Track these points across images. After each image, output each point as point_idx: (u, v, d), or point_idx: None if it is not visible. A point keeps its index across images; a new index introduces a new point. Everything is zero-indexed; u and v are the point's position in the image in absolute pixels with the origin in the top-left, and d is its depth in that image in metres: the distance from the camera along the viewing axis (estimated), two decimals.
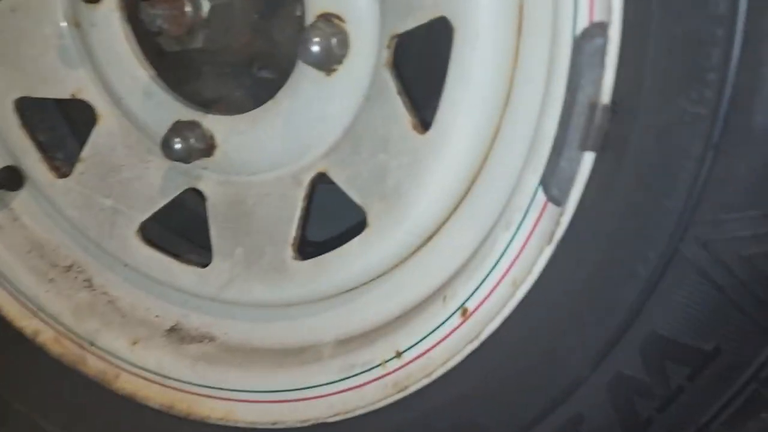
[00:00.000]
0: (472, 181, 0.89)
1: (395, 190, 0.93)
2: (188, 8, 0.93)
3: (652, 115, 0.66)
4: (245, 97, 1.04)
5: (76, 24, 1.07)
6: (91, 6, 1.04)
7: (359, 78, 0.93)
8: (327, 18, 0.93)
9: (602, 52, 0.67)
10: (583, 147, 0.69)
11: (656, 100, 0.65)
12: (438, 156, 0.88)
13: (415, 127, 0.90)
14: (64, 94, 1.10)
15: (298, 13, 0.96)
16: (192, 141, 1.03)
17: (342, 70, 0.93)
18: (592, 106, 0.68)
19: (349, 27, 0.91)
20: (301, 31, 0.94)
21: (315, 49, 0.90)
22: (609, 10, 0.66)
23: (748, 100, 0.61)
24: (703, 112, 0.63)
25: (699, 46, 0.61)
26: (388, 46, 0.91)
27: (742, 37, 0.59)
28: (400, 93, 0.91)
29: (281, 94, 0.98)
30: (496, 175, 0.85)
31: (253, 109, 1.01)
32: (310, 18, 0.93)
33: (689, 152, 0.64)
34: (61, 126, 1.22)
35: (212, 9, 0.93)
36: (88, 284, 1.14)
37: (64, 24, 1.07)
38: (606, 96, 0.67)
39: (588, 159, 0.70)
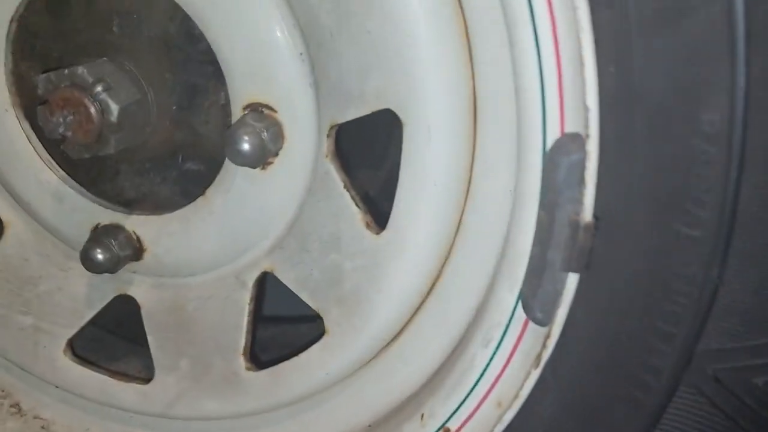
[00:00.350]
0: (434, 282, 0.80)
1: (353, 293, 0.83)
2: (94, 112, 0.81)
3: (642, 236, 0.58)
4: (172, 192, 0.92)
5: None
6: None
7: (298, 170, 0.82)
8: (256, 109, 0.82)
9: (581, 167, 0.58)
10: (567, 268, 0.61)
11: (646, 220, 0.58)
12: (396, 257, 0.78)
13: (368, 226, 0.81)
14: None
15: (222, 102, 0.85)
16: (116, 248, 0.90)
17: (278, 162, 0.82)
18: (573, 224, 0.60)
19: (282, 117, 0.81)
20: (226, 123, 0.84)
21: (245, 147, 0.78)
22: (585, 120, 0.58)
23: (751, 221, 0.54)
24: (701, 235, 0.55)
25: (692, 164, 0.54)
26: (329, 136, 0.81)
27: (740, 155, 0.52)
28: (347, 187, 0.81)
29: (212, 191, 0.87)
30: (461, 278, 0.77)
31: (183, 205, 0.90)
32: (236, 109, 0.82)
33: (687, 276, 0.57)
34: None
35: (122, 111, 0.80)
36: (17, 410, 1.02)
37: None
38: (588, 214, 0.60)
39: (573, 279, 0.63)
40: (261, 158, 0.79)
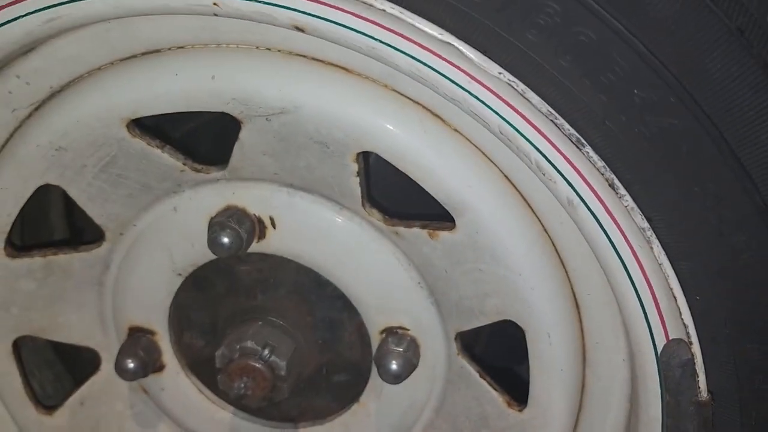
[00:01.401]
0: None
1: None
2: (266, 372, 0.99)
3: (749, 404, 0.76)
4: (328, 403, 1.10)
5: (144, 390, 1.12)
6: (156, 374, 1.09)
7: (437, 370, 1.00)
8: (392, 331, 1.00)
9: (692, 366, 0.76)
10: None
11: (753, 395, 0.75)
12: (540, 429, 0.96)
13: (509, 405, 0.98)
14: None
15: (359, 328, 1.03)
16: None
17: (419, 367, 1.01)
18: (695, 403, 0.77)
19: (415, 333, 0.99)
20: (366, 342, 1.02)
21: (395, 369, 0.97)
22: (684, 327, 0.76)
23: None
24: None
25: None
26: (456, 339, 0.99)
27: None
28: (482, 376, 0.99)
29: (365, 398, 1.05)
30: None
31: (341, 413, 1.08)
32: (373, 333, 1.00)
33: None
34: None
35: (288, 364, 0.99)
36: None
37: (133, 393, 1.12)
38: (704, 393, 0.77)
39: None
40: (409, 373, 0.98)
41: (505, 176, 0.86)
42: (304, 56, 0.84)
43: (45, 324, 1.05)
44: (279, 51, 0.84)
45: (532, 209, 0.87)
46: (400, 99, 0.83)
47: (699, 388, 0.77)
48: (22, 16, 0.75)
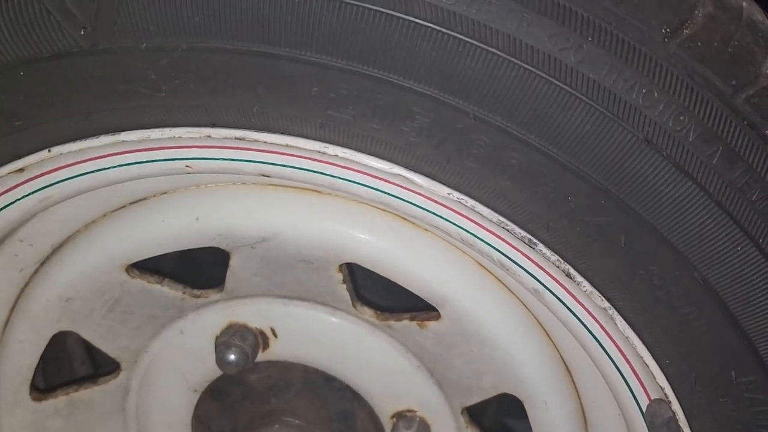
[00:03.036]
0: None
1: None
2: None
3: None
4: None
5: None
6: None
7: None
8: (401, 415, 1.08)
9: (675, 422, 0.83)
10: None
11: None
12: None
13: None
14: None
15: (371, 415, 1.11)
16: None
17: None
18: None
19: (423, 413, 1.07)
20: (380, 427, 1.10)
21: None
22: (660, 389, 0.83)
23: None
24: None
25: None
26: (462, 413, 1.07)
27: None
28: None
29: None
30: None
31: None
32: (385, 419, 1.09)
33: None
34: None
35: None
36: None
37: None
38: None
39: None
40: None
41: (481, 265, 0.94)
42: (278, 185, 0.94)
43: None
44: (254, 184, 0.94)
45: (511, 291, 0.96)
46: (371, 210, 0.92)
47: None
48: (19, 199, 0.86)
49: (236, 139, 0.75)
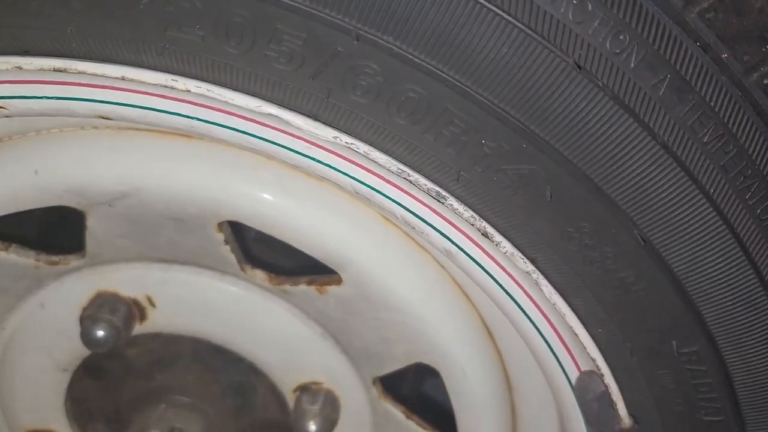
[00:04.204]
0: None
1: None
2: None
3: (674, 425, 0.72)
4: None
5: None
6: None
7: (362, 417, 0.96)
8: (305, 387, 0.95)
9: (607, 396, 0.72)
10: None
11: (673, 416, 0.72)
12: None
13: None
14: None
15: (272, 389, 0.98)
16: None
17: (343, 418, 0.96)
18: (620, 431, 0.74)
19: (330, 385, 0.94)
20: (282, 402, 0.97)
21: (313, 428, 0.93)
22: (592, 360, 0.71)
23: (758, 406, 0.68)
24: (721, 419, 0.69)
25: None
26: (374, 384, 0.94)
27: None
28: (408, 416, 0.95)
29: None
30: None
31: None
32: (287, 392, 0.95)
33: None
34: None
35: None
36: None
37: None
38: (627, 420, 0.73)
39: None
40: (330, 429, 0.93)
41: (387, 219, 0.80)
42: (135, 129, 0.76)
43: None
44: (107, 128, 0.76)
45: (423, 249, 0.82)
46: (253, 158, 0.76)
47: (619, 416, 0.73)
48: None
49: (55, 71, 0.57)
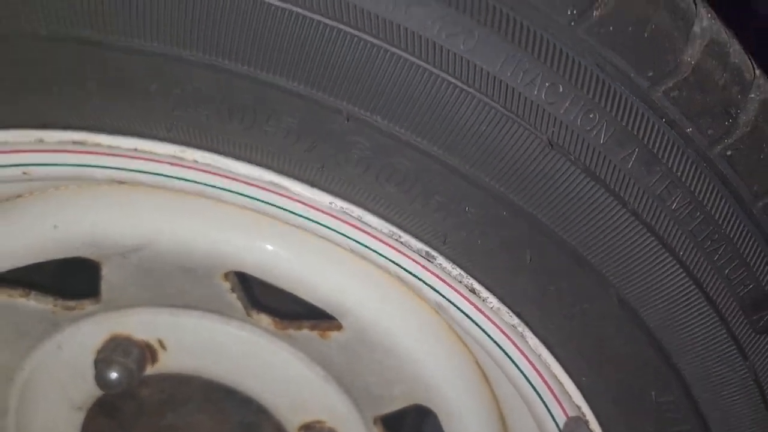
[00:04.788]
0: None
1: None
2: None
3: None
4: None
5: None
6: None
7: None
8: (311, 426, 0.98)
9: None
10: None
11: None
12: None
13: None
14: None
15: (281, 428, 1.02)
16: None
17: None
18: None
19: (333, 423, 0.98)
20: None
21: None
22: (577, 407, 0.75)
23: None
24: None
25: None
26: (375, 423, 0.98)
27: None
28: None
29: None
30: None
31: None
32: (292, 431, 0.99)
33: None
34: None
35: None
36: None
37: None
38: None
39: None
40: None
41: (384, 270, 0.84)
42: (150, 186, 0.81)
43: None
44: (122, 184, 0.81)
45: (419, 296, 0.86)
46: (256, 214, 0.81)
47: None
48: None
49: (74, 143, 0.63)
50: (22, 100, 0.60)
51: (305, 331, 0.91)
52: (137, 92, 0.58)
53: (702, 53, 0.57)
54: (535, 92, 0.55)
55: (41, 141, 0.63)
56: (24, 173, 0.68)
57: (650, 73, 0.56)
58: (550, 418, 0.78)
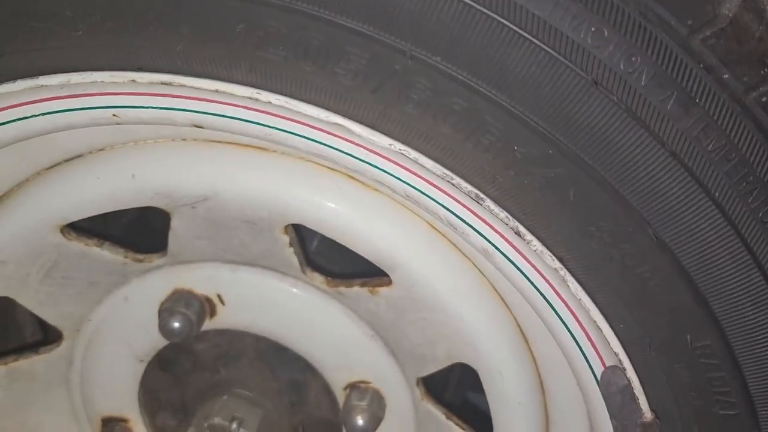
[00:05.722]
0: None
1: None
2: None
3: (687, 420, 0.78)
4: None
5: None
6: None
7: (405, 416, 1.04)
8: (355, 386, 1.03)
9: (630, 390, 0.79)
10: None
11: (692, 410, 0.78)
12: None
13: None
14: None
15: (324, 388, 1.07)
16: None
17: (387, 417, 1.04)
18: (642, 425, 0.80)
19: (377, 384, 1.02)
20: (333, 399, 1.05)
21: (361, 424, 1.01)
22: (615, 354, 0.79)
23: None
24: (736, 413, 0.76)
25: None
26: (417, 385, 1.02)
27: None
28: (448, 417, 1.02)
29: None
30: None
31: None
32: (338, 390, 1.04)
33: None
34: None
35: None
36: None
37: None
38: (648, 415, 0.80)
39: None
40: (375, 426, 1.01)
41: (432, 226, 0.89)
42: (219, 142, 0.88)
43: (17, 429, 1.08)
44: (194, 140, 0.88)
45: (465, 254, 0.91)
46: (316, 168, 0.87)
47: (641, 410, 0.80)
48: None
49: (162, 84, 0.70)
50: (121, 42, 0.67)
51: (356, 288, 0.96)
52: (226, 32, 0.65)
53: (739, 7, 0.62)
54: (582, 36, 0.61)
55: (133, 82, 0.70)
56: (114, 115, 0.75)
57: (689, 22, 0.61)
58: (588, 368, 0.82)
